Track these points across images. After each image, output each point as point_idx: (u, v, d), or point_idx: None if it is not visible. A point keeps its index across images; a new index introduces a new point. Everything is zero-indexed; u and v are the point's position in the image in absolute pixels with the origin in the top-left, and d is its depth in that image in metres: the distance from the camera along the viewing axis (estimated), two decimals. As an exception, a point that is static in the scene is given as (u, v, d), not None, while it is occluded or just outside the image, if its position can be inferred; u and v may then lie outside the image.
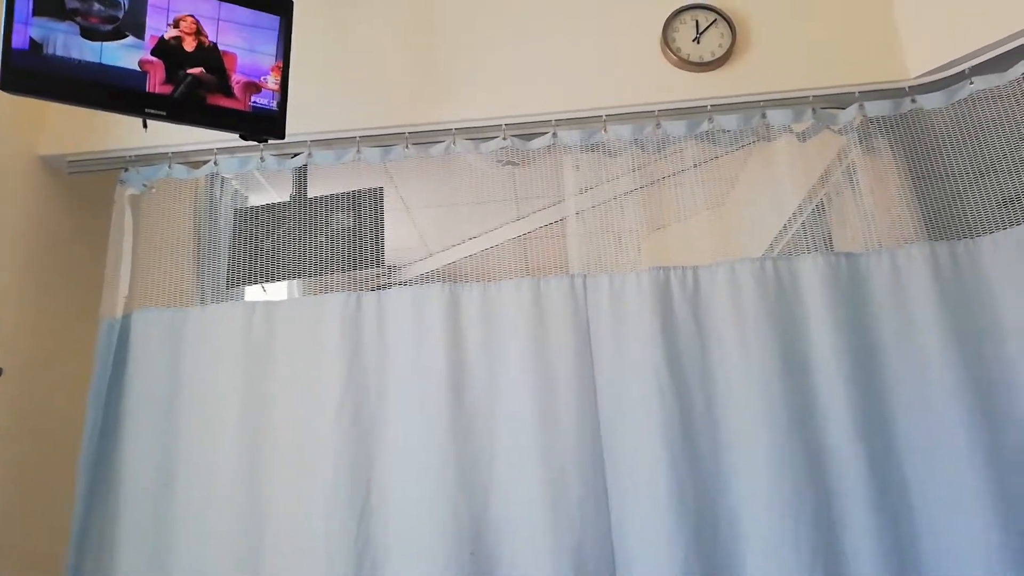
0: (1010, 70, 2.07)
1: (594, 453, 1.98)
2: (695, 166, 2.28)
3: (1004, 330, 1.92)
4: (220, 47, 1.98)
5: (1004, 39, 2.04)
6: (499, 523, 1.96)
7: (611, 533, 1.93)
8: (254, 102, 2.04)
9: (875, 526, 1.83)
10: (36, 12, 1.78)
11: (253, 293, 2.36)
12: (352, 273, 2.28)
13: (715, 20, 2.29)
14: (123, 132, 2.34)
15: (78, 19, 1.82)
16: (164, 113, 1.93)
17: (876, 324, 2.00)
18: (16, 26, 1.76)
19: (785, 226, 2.34)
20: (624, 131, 2.26)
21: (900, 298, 2.00)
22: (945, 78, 2.19)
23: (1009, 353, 1.90)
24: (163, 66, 1.91)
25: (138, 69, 1.89)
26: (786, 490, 1.86)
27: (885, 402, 1.94)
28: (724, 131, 2.25)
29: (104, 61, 1.85)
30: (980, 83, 2.11)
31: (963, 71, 2.15)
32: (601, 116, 2.28)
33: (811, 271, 2.05)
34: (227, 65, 1.99)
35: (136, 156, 2.36)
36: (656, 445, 1.93)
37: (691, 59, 2.27)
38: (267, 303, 2.21)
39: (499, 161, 2.39)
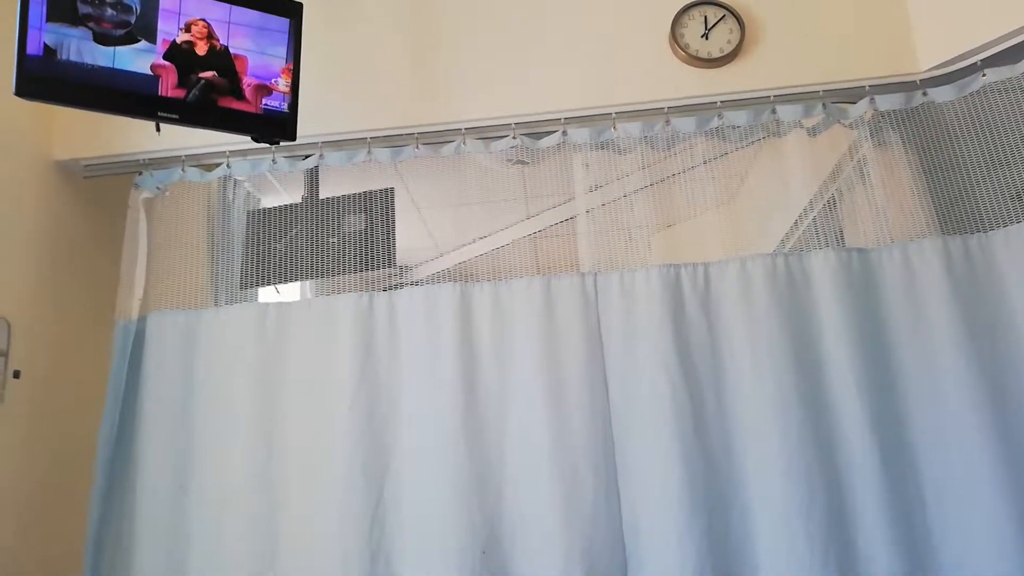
0: (1022, 61, 2.05)
1: (605, 450, 1.99)
2: (705, 162, 2.28)
3: (1017, 323, 1.90)
4: (231, 50, 2.00)
5: (1016, 30, 2.03)
6: (511, 521, 1.96)
7: (623, 530, 1.93)
8: (265, 104, 2.06)
9: (888, 520, 1.82)
10: (50, 18, 1.80)
11: (266, 294, 2.38)
12: (364, 273, 2.29)
13: (724, 16, 2.28)
14: (137, 136, 2.36)
15: (91, 24, 1.84)
16: (177, 117, 1.95)
17: (888, 319, 1.99)
18: (30, 32, 1.78)
19: (796, 222, 2.34)
20: (634, 128, 2.26)
21: (912, 293, 1.99)
22: (957, 71, 2.17)
23: (1021, 345, 1.88)
24: (175, 70, 1.93)
25: (150, 73, 1.91)
26: (799, 485, 1.86)
27: (898, 396, 1.93)
28: (734, 127, 2.25)
29: (117, 66, 1.87)
30: (992, 75, 2.09)
31: (975, 63, 2.13)
32: (610, 114, 2.28)
33: (823, 267, 2.04)
34: (238, 68, 2.01)
35: (150, 160, 2.39)
36: (668, 442, 1.93)
37: (700, 55, 2.26)
38: (280, 304, 2.23)
39: (509, 160, 2.40)
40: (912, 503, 1.85)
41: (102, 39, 1.85)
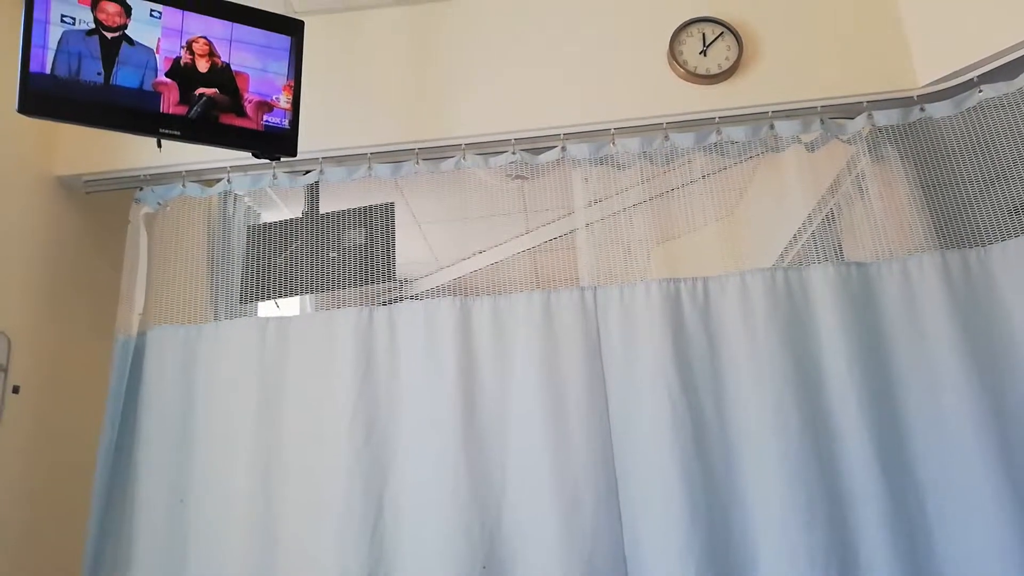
0: (1019, 77, 2.07)
1: (606, 465, 1.98)
2: (704, 177, 2.29)
3: (1015, 336, 1.91)
4: (233, 67, 2.01)
5: (1013, 47, 2.04)
6: (512, 536, 1.96)
7: (624, 544, 1.93)
8: (266, 121, 2.07)
9: (889, 533, 1.81)
10: (53, 37, 1.82)
11: (266, 309, 2.38)
12: (364, 288, 2.29)
13: (722, 33, 2.30)
14: (138, 152, 2.38)
15: (94, 42, 1.86)
16: (178, 133, 1.96)
17: (887, 333, 1.99)
18: (34, 51, 1.80)
19: (795, 236, 2.34)
20: (632, 144, 2.27)
21: (911, 307, 2.00)
22: (954, 86, 2.19)
23: (1021, 360, 1.89)
24: (177, 87, 1.95)
25: (153, 90, 1.92)
26: (799, 498, 1.86)
27: (897, 410, 1.93)
28: (732, 142, 2.26)
29: (119, 83, 1.88)
30: (989, 91, 2.11)
31: (972, 79, 2.15)
32: (609, 129, 2.30)
33: (822, 281, 2.04)
34: (240, 85, 2.02)
35: (151, 175, 2.40)
36: (668, 456, 1.93)
37: (698, 71, 2.28)
38: (280, 319, 2.23)
39: (508, 175, 2.41)
40: (913, 516, 1.84)
41: (105, 57, 1.87)
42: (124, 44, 1.89)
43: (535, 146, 2.32)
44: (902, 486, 1.86)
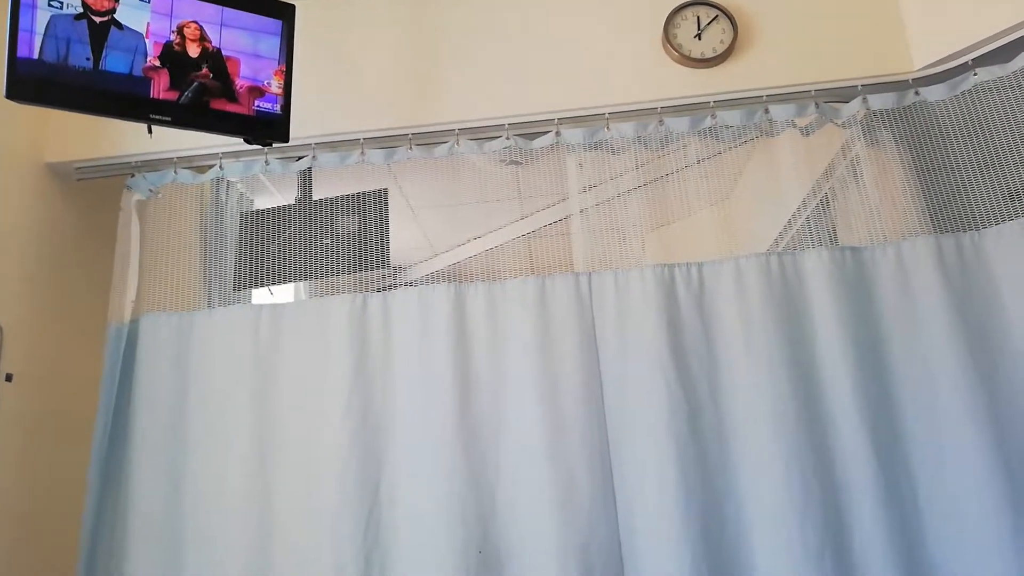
0: (1013, 60, 2.06)
1: (601, 451, 1.99)
2: (698, 162, 2.28)
3: (1009, 322, 1.91)
4: (223, 52, 1.99)
5: (1007, 29, 2.04)
6: (507, 522, 1.97)
7: (619, 530, 1.93)
8: (258, 106, 2.05)
9: (883, 519, 1.82)
10: (40, 21, 1.79)
11: (259, 296, 2.37)
12: (358, 274, 2.29)
13: (716, 16, 2.29)
14: (129, 138, 2.36)
15: (82, 27, 1.84)
16: (169, 119, 1.95)
17: (882, 317, 2.00)
18: (21, 35, 1.77)
19: (789, 221, 2.34)
20: (627, 128, 2.26)
21: (905, 291, 2.00)
22: (949, 70, 2.18)
23: (1015, 345, 1.89)
24: (167, 72, 1.93)
25: (142, 76, 1.90)
26: (793, 485, 1.86)
27: (891, 395, 1.93)
28: (727, 127, 2.25)
29: (109, 68, 1.87)
30: (984, 74, 2.10)
31: (967, 62, 2.14)
32: (604, 114, 2.29)
33: (816, 265, 2.04)
34: (231, 70, 2.00)
35: (142, 162, 2.38)
36: (663, 442, 1.93)
37: (693, 55, 2.26)
38: (273, 305, 2.23)
39: (503, 161, 2.40)
40: (906, 501, 1.85)
41: (94, 42, 1.85)
42: (113, 28, 1.87)
43: (529, 131, 2.31)
44: (895, 470, 1.87)
